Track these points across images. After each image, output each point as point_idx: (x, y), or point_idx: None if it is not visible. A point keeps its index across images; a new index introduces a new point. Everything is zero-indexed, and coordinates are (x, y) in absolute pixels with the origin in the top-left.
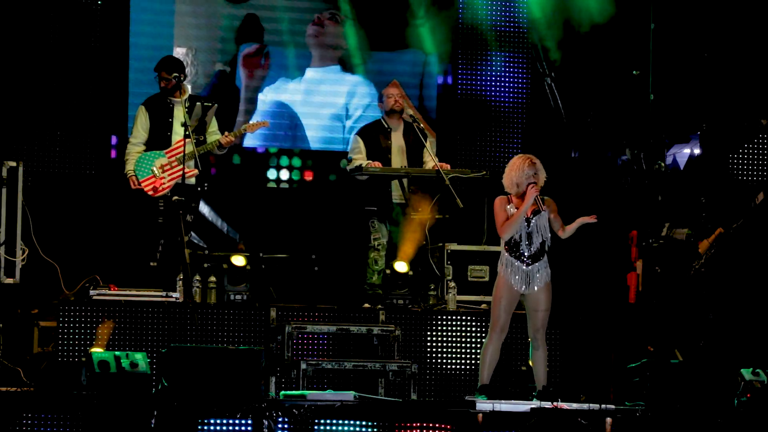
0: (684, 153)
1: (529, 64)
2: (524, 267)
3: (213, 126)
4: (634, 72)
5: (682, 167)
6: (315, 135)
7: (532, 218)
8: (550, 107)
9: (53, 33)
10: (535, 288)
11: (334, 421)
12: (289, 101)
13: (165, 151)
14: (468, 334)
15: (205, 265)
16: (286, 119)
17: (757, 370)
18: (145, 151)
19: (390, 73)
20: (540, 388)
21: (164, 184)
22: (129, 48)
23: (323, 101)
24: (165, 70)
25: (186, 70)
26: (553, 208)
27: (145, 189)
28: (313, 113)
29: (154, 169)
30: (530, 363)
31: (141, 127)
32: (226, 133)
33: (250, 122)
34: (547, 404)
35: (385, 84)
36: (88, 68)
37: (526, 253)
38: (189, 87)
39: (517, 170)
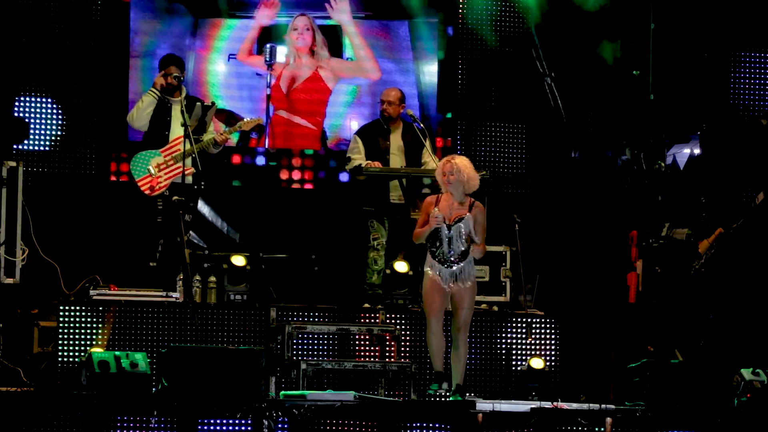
0: (684, 153)
1: (529, 64)
2: (447, 269)
3: (212, 126)
4: (634, 72)
5: (682, 167)
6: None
7: (453, 225)
8: (550, 107)
9: (54, 33)
10: (459, 287)
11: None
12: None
13: (161, 150)
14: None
15: (205, 265)
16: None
17: (757, 370)
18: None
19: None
20: (455, 386)
21: (161, 183)
22: (129, 48)
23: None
24: (176, 65)
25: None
26: (478, 216)
27: (142, 188)
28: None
29: (150, 168)
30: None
31: (144, 111)
32: (221, 130)
33: (245, 120)
34: (547, 404)
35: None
36: (88, 68)
37: (449, 258)
38: (185, 88)
39: (438, 169)
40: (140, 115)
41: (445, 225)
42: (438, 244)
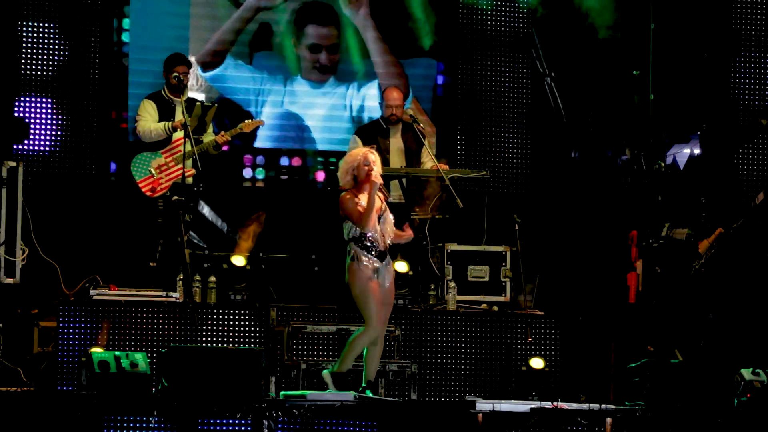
0: (684, 153)
1: (529, 64)
2: (380, 263)
3: (212, 127)
4: (634, 72)
5: (682, 167)
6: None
7: (381, 215)
8: (550, 107)
9: (54, 33)
10: (387, 284)
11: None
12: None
13: (161, 151)
14: (468, 334)
15: (205, 265)
16: (293, 129)
17: (757, 370)
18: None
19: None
20: (366, 383)
21: (162, 184)
22: (129, 48)
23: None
24: (185, 65)
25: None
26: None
27: (143, 189)
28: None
29: (151, 169)
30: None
31: (150, 117)
32: (222, 132)
33: (246, 121)
34: (547, 404)
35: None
36: (88, 68)
37: (380, 249)
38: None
39: (353, 161)
40: (149, 136)
41: (377, 215)
42: (372, 236)
